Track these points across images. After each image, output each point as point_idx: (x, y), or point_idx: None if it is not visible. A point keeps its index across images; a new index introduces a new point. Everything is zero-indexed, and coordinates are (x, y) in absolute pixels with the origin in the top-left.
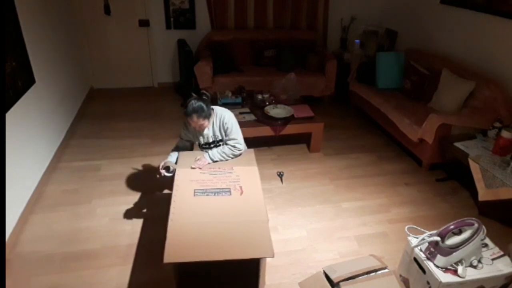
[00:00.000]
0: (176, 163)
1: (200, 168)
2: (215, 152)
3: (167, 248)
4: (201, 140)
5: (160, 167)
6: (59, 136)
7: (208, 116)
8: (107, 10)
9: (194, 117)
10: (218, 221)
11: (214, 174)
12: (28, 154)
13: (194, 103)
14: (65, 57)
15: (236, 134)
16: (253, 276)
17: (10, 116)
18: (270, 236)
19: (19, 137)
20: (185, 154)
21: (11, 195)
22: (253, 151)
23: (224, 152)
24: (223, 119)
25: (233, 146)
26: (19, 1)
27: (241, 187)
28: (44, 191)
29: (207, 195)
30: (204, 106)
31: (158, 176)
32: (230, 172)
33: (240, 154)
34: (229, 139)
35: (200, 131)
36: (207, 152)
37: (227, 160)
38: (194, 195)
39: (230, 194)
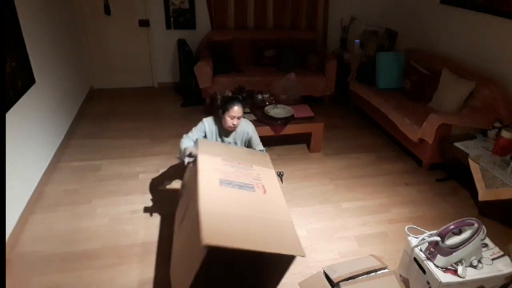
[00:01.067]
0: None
1: None
2: None
3: (205, 230)
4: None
5: (185, 155)
6: (59, 136)
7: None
8: (107, 10)
9: (238, 105)
10: (248, 214)
11: (235, 167)
12: (28, 154)
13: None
14: (65, 57)
15: (261, 145)
16: (275, 274)
17: (10, 116)
18: (298, 236)
19: (19, 137)
20: (206, 141)
21: (11, 195)
22: (268, 155)
23: None
24: (248, 130)
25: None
26: (19, 1)
27: (263, 186)
28: (44, 191)
29: (232, 187)
30: None
31: (185, 163)
32: (250, 169)
33: None
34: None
35: (231, 129)
36: None
37: None
38: (220, 185)
39: (254, 190)
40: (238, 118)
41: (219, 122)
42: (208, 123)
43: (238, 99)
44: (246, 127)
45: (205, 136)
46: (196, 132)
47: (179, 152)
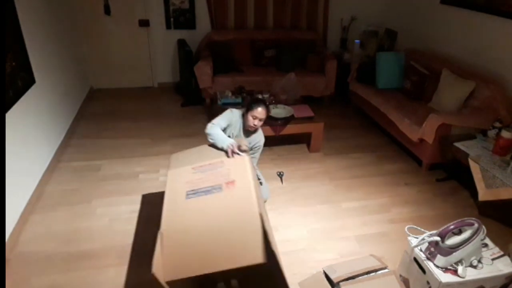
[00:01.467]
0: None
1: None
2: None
3: (165, 264)
4: None
5: (235, 148)
6: (59, 136)
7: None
8: (107, 10)
9: (262, 107)
10: (211, 225)
11: (205, 172)
12: (28, 154)
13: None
14: (65, 57)
15: (258, 159)
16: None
17: (10, 116)
18: (261, 237)
19: (19, 137)
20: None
21: (11, 195)
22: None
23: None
24: (261, 140)
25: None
26: (19, 1)
27: (233, 181)
28: (44, 191)
29: (198, 195)
30: None
31: (228, 152)
32: (220, 167)
33: None
34: (253, 157)
35: (251, 129)
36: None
37: None
38: (186, 198)
39: (221, 190)
40: (260, 120)
41: (243, 119)
42: (235, 115)
43: (265, 102)
44: (261, 138)
45: (227, 127)
46: (223, 121)
47: (209, 135)
